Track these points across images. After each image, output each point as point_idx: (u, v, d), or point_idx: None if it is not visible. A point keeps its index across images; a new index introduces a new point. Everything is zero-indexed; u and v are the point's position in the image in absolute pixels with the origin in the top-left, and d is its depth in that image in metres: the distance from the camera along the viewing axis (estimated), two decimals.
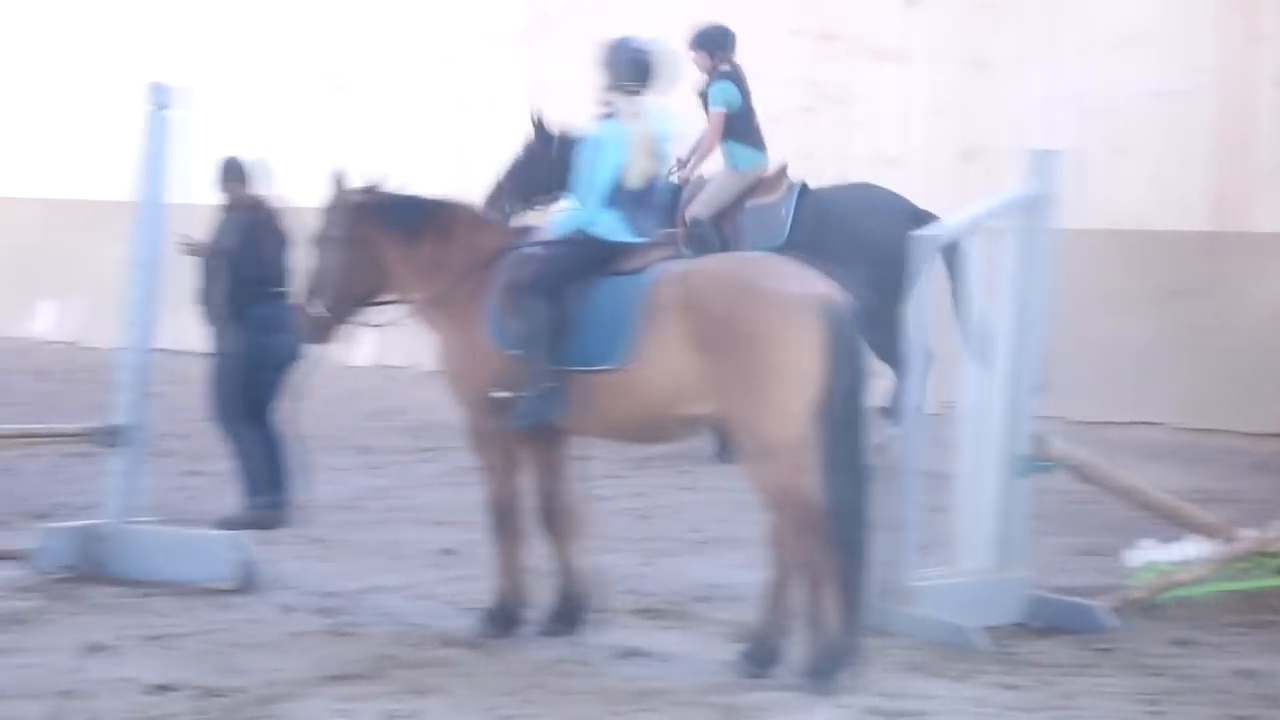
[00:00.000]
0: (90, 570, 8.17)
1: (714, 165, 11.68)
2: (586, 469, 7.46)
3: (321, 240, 7.57)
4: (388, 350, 15.30)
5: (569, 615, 7.29)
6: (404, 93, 16.44)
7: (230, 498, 9.45)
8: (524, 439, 7.21)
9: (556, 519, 7.31)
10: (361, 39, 16.93)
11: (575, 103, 12.27)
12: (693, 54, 11.56)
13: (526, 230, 7.49)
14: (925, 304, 7.52)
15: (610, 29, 7.66)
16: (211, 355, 9.52)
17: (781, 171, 11.53)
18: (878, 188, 11.66)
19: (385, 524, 9.67)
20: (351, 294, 7.57)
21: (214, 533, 8.42)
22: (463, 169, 15.03)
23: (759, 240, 11.10)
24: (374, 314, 7.68)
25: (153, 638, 7.13)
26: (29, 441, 10.36)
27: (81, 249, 17.96)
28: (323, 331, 7.71)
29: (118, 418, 8.34)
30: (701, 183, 11.55)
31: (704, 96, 11.56)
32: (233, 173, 9.53)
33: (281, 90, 17.16)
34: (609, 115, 7.20)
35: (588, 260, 7.11)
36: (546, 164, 11.49)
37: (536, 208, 11.56)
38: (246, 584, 7.97)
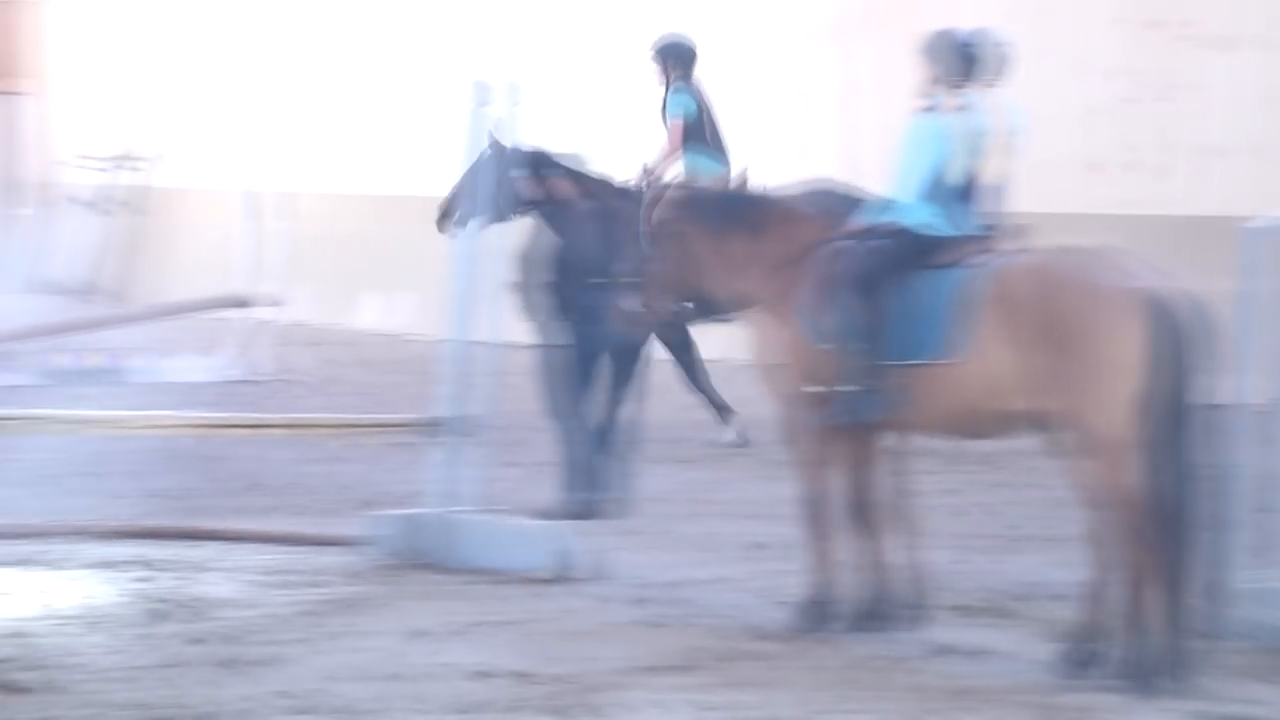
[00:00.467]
0: (415, 558, 8.35)
1: (677, 174, 11.79)
2: (902, 464, 7.39)
3: (642, 235, 7.64)
4: (704, 344, 15.35)
5: (883, 611, 7.24)
6: (716, 89, 16.48)
7: (549, 489, 9.59)
8: (840, 433, 7.17)
9: (871, 514, 7.26)
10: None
11: (889, 97, 12.19)
12: (654, 63, 12.00)
13: (843, 224, 7.46)
14: (1255, 298, 7.27)
15: (928, 22, 7.56)
16: (537, 348, 9.67)
17: (742, 180, 11.52)
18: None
19: (700, 517, 9.71)
20: (670, 288, 7.62)
21: (534, 523, 8.55)
22: (773, 165, 15.01)
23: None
24: (691, 308, 7.72)
25: (475, 625, 7.25)
26: (356, 431, 10.68)
27: (407, 243, 18.40)
28: (642, 325, 7.78)
29: (441, 409, 8.52)
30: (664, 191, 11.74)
31: (663, 108, 11.92)
32: (555, 168, 9.67)
33: (605, 86, 17.38)
34: (929, 108, 7.12)
35: (906, 254, 7.04)
36: (496, 179, 11.63)
37: (490, 222, 11.67)
38: (565, 574, 8.07)
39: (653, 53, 12.17)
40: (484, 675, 6.52)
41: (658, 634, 7.20)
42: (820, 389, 7.07)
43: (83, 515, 9.20)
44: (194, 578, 7.97)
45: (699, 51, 12.20)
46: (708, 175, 11.80)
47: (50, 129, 23.43)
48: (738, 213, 7.46)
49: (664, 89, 12.10)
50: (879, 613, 7.23)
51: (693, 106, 12.00)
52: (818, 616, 7.23)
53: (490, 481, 8.52)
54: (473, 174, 11.74)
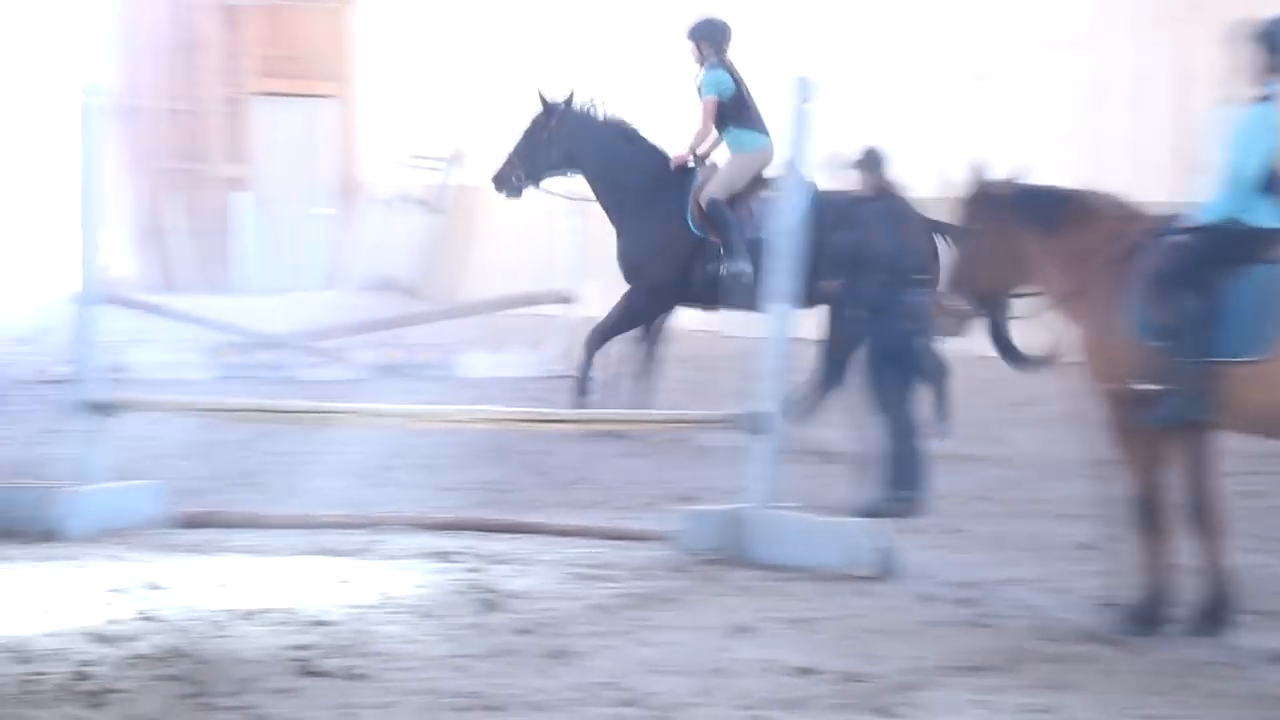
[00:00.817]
0: (732, 553, 8.39)
1: (723, 153, 12.09)
2: (1234, 463, 7.19)
3: (961, 232, 7.56)
4: (1026, 341, 15.14)
5: (1216, 615, 7.05)
6: (1044, 82, 16.24)
7: (867, 486, 9.55)
8: (1166, 433, 7.01)
9: (1201, 516, 7.08)
10: (1003, 28, 16.83)
11: (1223, 89, 11.85)
12: (689, 44, 12.08)
13: (1171, 219, 7.29)
14: None
15: (1260, 9, 7.34)
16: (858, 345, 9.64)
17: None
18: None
19: (1021, 516, 9.58)
20: (990, 286, 7.53)
21: (852, 520, 8.53)
22: (1103, 159, 14.75)
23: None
24: (1011, 306, 7.62)
25: (794, 621, 7.27)
26: (676, 426, 10.79)
27: None
28: (960, 323, 7.70)
29: (758, 405, 8.55)
30: (713, 169, 11.99)
31: (698, 87, 12.00)
32: (872, 163, 9.63)
33: (922, 80, 17.26)
34: (1265, 99, 6.92)
35: (1236, 248, 6.86)
36: (547, 139, 12.10)
37: (543, 183, 12.33)
38: (884, 571, 8.04)
39: (686, 34, 12.27)
40: (804, 672, 6.52)
41: (980, 634, 7.12)
42: (1145, 387, 6.92)
43: (412, 507, 9.46)
44: (520, 570, 8.14)
45: (732, 30, 12.26)
46: (754, 148, 11.91)
47: (366, 131, 24.12)
48: (1063, 209, 7.33)
49: (701, 69, 12.21)
50: (1213, 617, 7.04)
51: (728, 84, 12.05)
52: (1147, 619, 7.08)
53: (808, 477, 8.53)
54: (528, 140, 12.24)
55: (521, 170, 12.45)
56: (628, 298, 12.26)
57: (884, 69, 17.53)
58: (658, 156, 12.31)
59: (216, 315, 15.96)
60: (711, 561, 8.32)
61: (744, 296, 11.70)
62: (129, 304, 14.87)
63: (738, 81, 12.14)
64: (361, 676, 6.39)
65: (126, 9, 23.62)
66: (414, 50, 23.43)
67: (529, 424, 10.21)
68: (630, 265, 12.31)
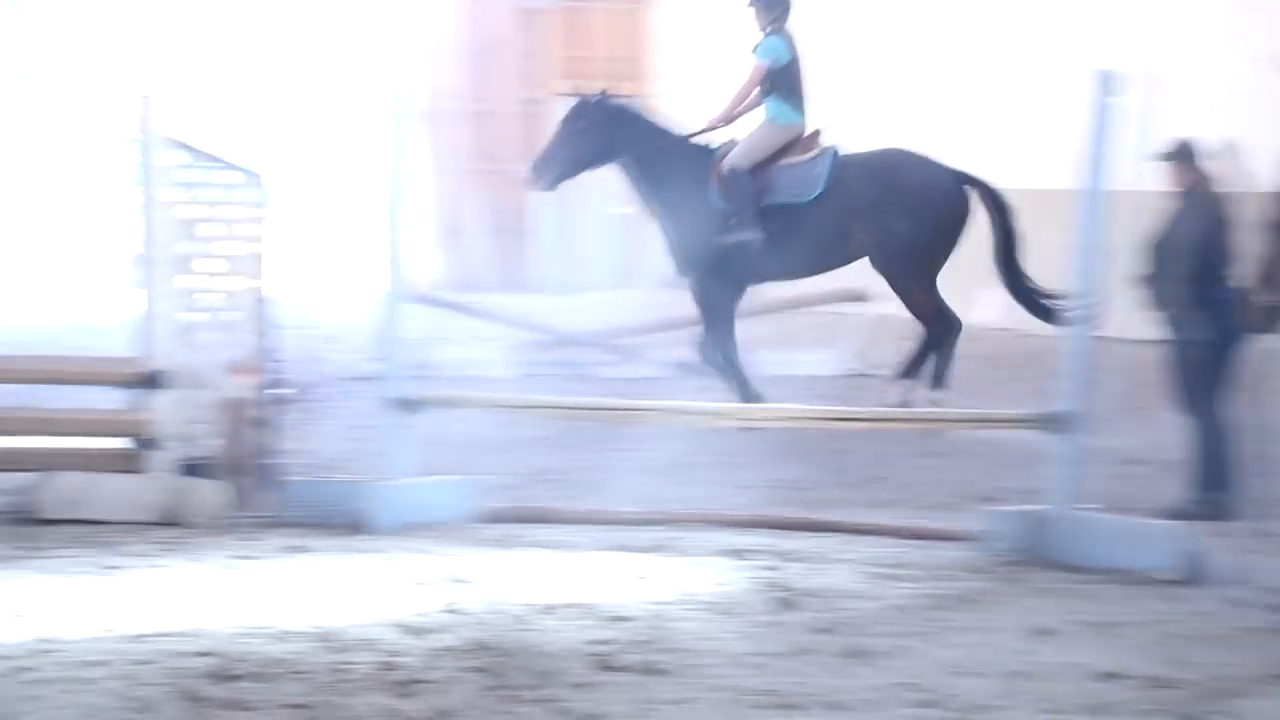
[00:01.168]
0: (1035, 554, 8.25)
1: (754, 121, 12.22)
2: None
3: (1275, 226, 7.32)
4: None
5: None
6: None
7: (1176, 487, 9.31)
8: None
9: None
10: None
11: None
12: (750, 10, 12.17)
13: None
14: None
15: None
16: (1167, 343, 9.40)
17: (815, 135, 12.02)
18: (909, 150, 12.19)
19: None
20: None
21: (1161, 522, 8.33)
22: None
23: (792, 196, 11.90)
24: None
25: (1099, 624, 7.12)
26: (977, 425, 10.66)
27: (1029, 237, 18.23)
28: (1274, 319, 7.46)
29: (1061, 404, 8.39)
30: (732, 143, 12.16)
31: (753, 51, 12.13)
32: (1186, 155, 9.37)
33: (1241, 72, 16.84)
34: None
35: None
36: (579, 134, 12.29)
37: (574, 179, 12.61)
38: (1193, 576, 7.83)
39: (749, 1, 12.14)
40: (1113, 677, 6.38)
41: None
42: None
43: (709, 504, 9.49)
44: (818, 568, 8.11)
45: (794, 1, 12.25)
46: (784, 122, 12.10)
47: None
48: None
49: (761, 35, 12.29)
50: None
51: (784, 54, 12.16)
52: None
53: (1114, 478, 8.35)
54: (562, 136, 12.31)
55: (557, 165, 12.65)
56: (698, 295, 12.46)
57: (1206, 60, 17.13)
58: (691, 146, 12.42)
59: (518, 314, 16.22)
60: (1013, 562, 8.21)
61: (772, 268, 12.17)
62: (434, 302, 15.18)
63: (794, 54, 12.19)
64: (660, 672, 6.43)
65: (433, 13, 24.19)
66: (713, 50, 23.54)
67: (828, 421, 10.16)
68: (683, 257, 12.44)
